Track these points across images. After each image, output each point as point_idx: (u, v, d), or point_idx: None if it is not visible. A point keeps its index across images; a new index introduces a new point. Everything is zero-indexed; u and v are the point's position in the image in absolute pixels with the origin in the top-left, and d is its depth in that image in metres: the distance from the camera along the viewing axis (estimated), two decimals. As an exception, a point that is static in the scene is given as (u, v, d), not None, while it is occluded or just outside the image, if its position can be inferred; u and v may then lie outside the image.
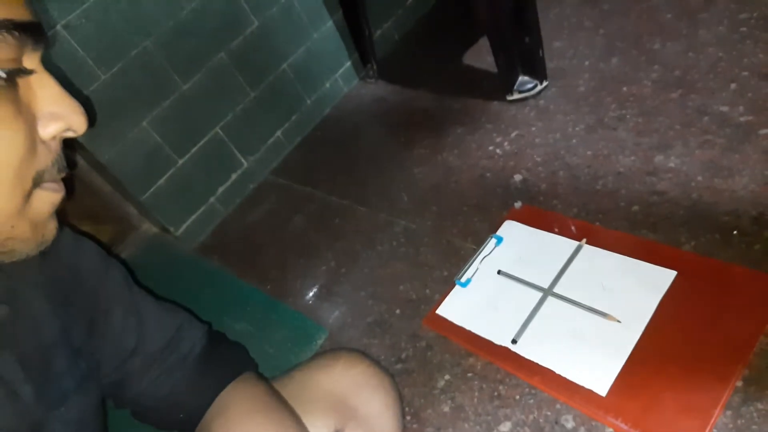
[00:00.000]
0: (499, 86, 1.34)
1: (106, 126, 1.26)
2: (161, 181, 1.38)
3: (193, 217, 1.47)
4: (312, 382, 0.76)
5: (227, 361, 0.71)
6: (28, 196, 0.38)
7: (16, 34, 0.35)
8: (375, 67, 1.72)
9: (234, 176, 1.52)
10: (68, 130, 0.41)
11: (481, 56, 1.54)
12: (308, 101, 1.65)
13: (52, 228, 0.43)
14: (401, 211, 1.25)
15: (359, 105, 1.68)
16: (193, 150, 1.43)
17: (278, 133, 1.60)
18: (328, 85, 1.70)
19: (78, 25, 1.16)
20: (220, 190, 1.51)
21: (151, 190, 1.37)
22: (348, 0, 1.60)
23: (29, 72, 0.37)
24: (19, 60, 0.36)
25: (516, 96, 1.32)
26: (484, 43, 1.53)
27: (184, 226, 1.45)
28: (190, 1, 1.33)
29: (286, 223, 1.41)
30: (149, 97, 1.32)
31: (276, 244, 1.36)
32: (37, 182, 0.39)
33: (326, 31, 1.64)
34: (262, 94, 1.53)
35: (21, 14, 0.36)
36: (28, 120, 0.37)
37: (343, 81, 1.74)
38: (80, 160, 1.40)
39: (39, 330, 0.54)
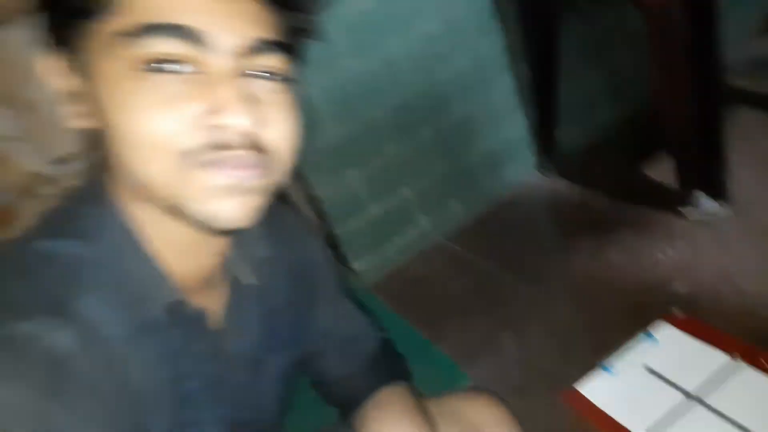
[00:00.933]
0: (676, 200, 1.40)
1: (326, 167, 1.55)
2: (354, 221, 1.64)
3: (372, 258, 1.69)
4: (455, 408, 0.87)
5: (393, 366, 0.85)
6: (185, 172, 0.43)
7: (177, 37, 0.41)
8: (555, 161, 1.86)
9: (413, 231, 1.74)
10: (218, 117, 0.43)
11: (662, 168, 1.60)
12: (489, 181, 1.84)
13: (222, 210, 0.45)
14: (559, 295, 1.34)
15: (534, 193, 1.83)
16: (384, 201, 1.67)
17: (457, 203, 1.80)
18: (509, 170, 1.88)
19: (329, 88, 1.49)
20: (400, 240, 1.73)
21: (345, 227, 1.63)
22: (542, 98, 1.79)
23: (181, 70, 0.42)
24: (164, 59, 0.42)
25: (692, 213, 1.36)
26: (666, 156, 1.60)
27: (363, 263, 1.68)
28: (414, 84, 1.62)
29: (450, 282, 1.57)
30: (363, 151, 1.60)
31: (438, 298, 1.52)
32: (186, 161, 0.43)
33: (517, 123, 1.84)
34: (452, 166, 1.76)
35: (170, 18, 0.41)
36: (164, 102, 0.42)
37: (523, 169, 1.90)
38: (294, 192, 1.71)
39: (275, 296, 0.69)
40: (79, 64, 0.44)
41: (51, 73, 0.46)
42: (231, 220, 0.45)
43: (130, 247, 0.48)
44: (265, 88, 0.46)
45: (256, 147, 0.45)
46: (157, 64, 0.41)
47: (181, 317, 0.51)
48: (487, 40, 1.71)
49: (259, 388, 0.65)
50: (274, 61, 0.46)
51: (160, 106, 0.41)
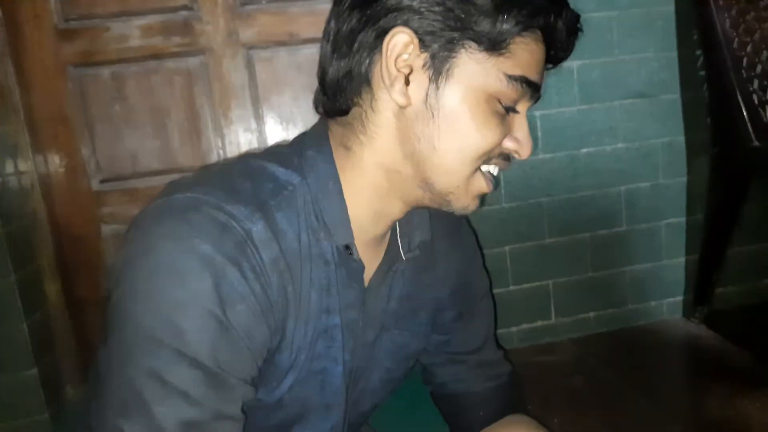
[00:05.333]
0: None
1: (484, 233, 1.68)
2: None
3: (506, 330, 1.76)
4: None
5: (520, 397, 0.88)
6: (473, 173, 0.59)
7: (527, 88, 0.56)
8: (705, 311, 1.81)
9: (543, 323, 1.78)
10: (515, 151, 0.60)
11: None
12: (631, 304, 1.84)
13: (470, 205, 0.61)
14: (679, 424, 1.30)
15: (675, 332, 1.79)
16: (526, 285, 1.76)
17: (593, 312, 1.82)
18: (653, 303, 1.86)
19: (513, 167, 1.65)
20: (527, 327, 1.78)
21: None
22: (710, 250, 1.78)
23: (517, 112, 0.59)
24: (516, 102, 0.58)
25: None
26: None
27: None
28: (590, 188, 1.73)
29: (567, 379, 1.57)
30: (522, 232, 1.72)
31: (551, 390, 1.53)
32: (479, 165, 0.58)
33: (677, 264, 1.85)
34: (598, 278, 1.80)
35: (537, 79, 0.57)
36: (504, 132, 0.58)
37: (668, 308, 1.87)
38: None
39: (424, 284, 0.74)
40: (440, 65, 0.55)
41: (405, 53, 0.55)
42: (469, 212, 0.62)
43: (330, 190, 0.59)
44: None
45: None
46: (508, 104, 0.56)
47: (346, 261, 0.60)
48: (671, 173, 1.79)
49: (374, 352, 0.70)
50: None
51: (497, 129, 0.56)
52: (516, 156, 0.60)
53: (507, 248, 1.72)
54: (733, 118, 1.55)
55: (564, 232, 1.75)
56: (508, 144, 0.59)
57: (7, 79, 1.49)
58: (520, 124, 0.59)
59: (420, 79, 0.55)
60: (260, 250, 0.51)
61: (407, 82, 0.55)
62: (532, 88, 0.57)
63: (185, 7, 1.61)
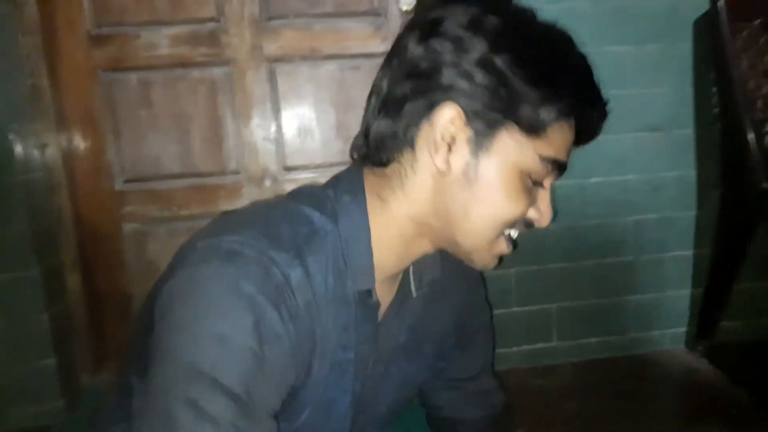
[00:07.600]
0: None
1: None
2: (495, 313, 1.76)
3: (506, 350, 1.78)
4: None
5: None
6: (498, 237, 0.64)
7: (556, 167, 0.62)
8: (708, 345, 1.82)
9: (543, 345, 1.81)
10: (537, 221, 0.66)
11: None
12: (632, 333, 1.86)
13: (490, 263, 0.68)
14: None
15: (675, 363, 1.80)
16: (528, 308, 1.79)
17: (594, 338, 1.84)
18: (655, 332, 1.87)
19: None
20: (525, 347, 1.81)
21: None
22: (716, 285, 1.79)
23: (542, 186, 0.65)
24: (543, 178, 0.64)
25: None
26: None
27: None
28: (596, 217, 1.75)
29: (562, 401, 1.60)
30: (527, 257, 1.74)
31: (547, 411, 1.56)
32: (503, 230, 0.64)
33: (682, 295, 1.85)
34: (601, 305, 1.82)
35: (565, 159, 0.63)
36: (530, 203, 0.63)
37: (671, 339, 1.88)
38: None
39: (430, 317, 0.79)
40: (482, 140, 0.59)
41: (452, 126, 0.59)
42: (488, 269, 0.68)
43: (360, 238, 0.64)
44: None
45: None
46: (536, 179, 0.62)
47: (364, 301, 0.65)
48: (681, 207, 1.80)
49: (382, 382, 0.75)
50: None
51: (525, 201, 0.62)
52: (536, 225, 0.66)
53: (512, 270, 1.75)
54: (743, 160, 1.55)
55: (570, 258, 1.77)
56: (532, 214, 0.64)
57: (41, 81, 1.57)
58: (543, 196, 0.64)
59: (462, 151, 0.60)
60: (296, 294, 0.56)
61: (450, 151, 0.60)
62: (560, 168, 0.62)
63: (213, 19, 1.67)
